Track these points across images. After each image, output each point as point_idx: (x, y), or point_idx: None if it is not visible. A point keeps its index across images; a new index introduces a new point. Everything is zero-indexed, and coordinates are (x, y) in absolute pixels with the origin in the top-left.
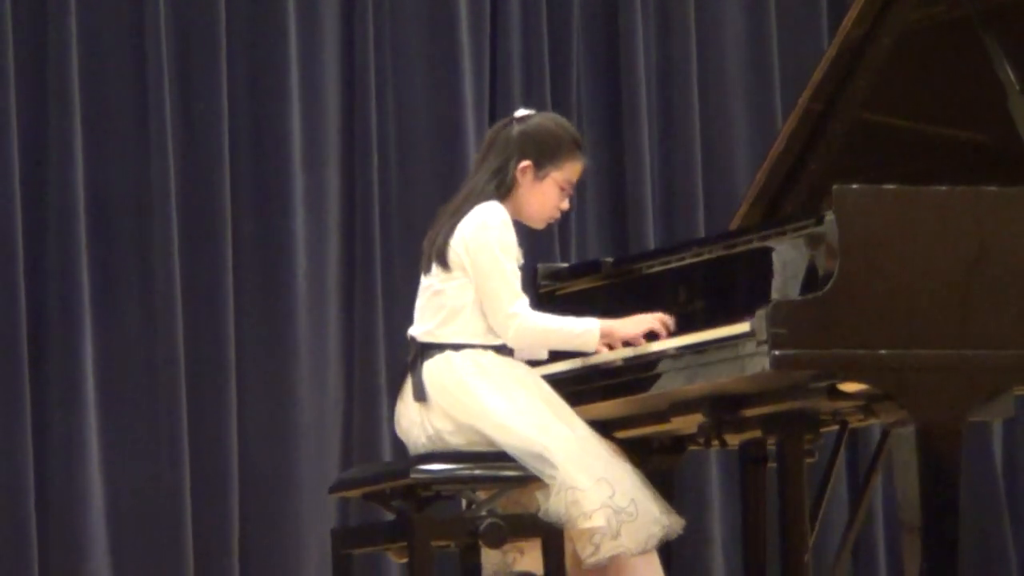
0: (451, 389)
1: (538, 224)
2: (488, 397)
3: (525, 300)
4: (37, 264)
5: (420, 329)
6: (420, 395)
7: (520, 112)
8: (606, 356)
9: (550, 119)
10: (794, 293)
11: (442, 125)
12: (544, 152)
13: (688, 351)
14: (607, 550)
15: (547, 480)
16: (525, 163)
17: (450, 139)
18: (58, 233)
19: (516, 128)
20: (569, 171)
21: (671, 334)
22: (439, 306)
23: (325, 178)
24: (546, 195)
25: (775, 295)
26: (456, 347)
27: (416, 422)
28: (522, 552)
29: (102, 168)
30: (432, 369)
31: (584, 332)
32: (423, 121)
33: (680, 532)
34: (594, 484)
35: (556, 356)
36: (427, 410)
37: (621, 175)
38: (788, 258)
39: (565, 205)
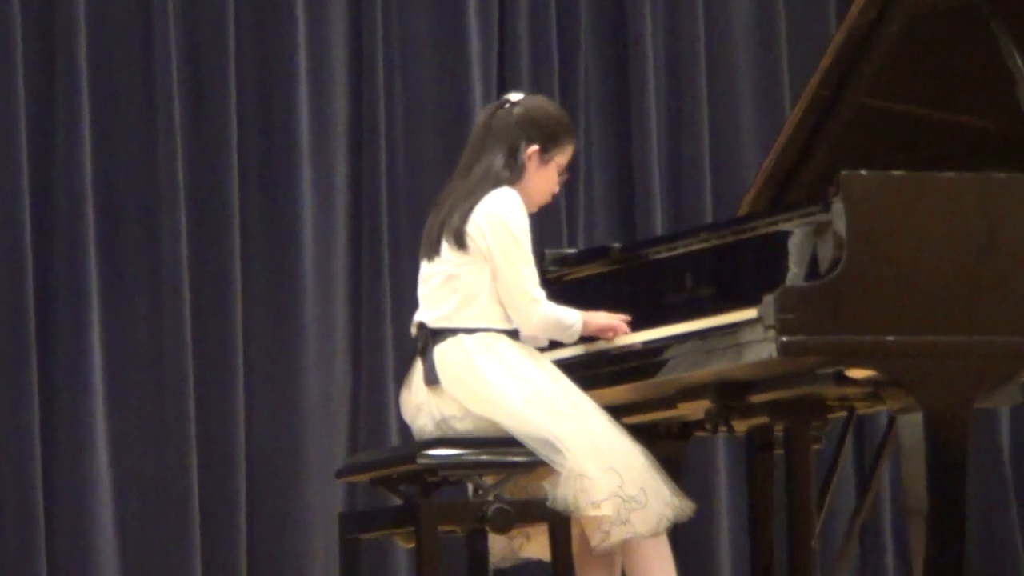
0: (463, 376)
1: (533, 208)
2: (500, 382)
3: (542, 290)
4: (45, 250)
5: (431, 315)
6: (431, 379)
7: (514, 96)
8: (619, 341)
9: (546, 102)
10: (802, 279)
11: (450, 110)
12: (549, 136)
13: (695, 337)
14: (617, 535)
15: (556, 467)
16: (533, 148)
17: (458, 124)
18: (66, 219)
19: (515, 112)
20: (567, 154)
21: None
22: (453, 290)
23: (333, 163)
24: (549, 179)
25: (783, 281)
26: (470, 331)
27: (423, 409)
28: (528, 537)
29: (110, 154)
30: (444, 353)
31: (575, 323)
32: (431, 106)
33: (691, 516)
34: (603, 473)
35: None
36: (436, 395)
37: (629, 160)
38: (796, 244)
39: (557, 189)
